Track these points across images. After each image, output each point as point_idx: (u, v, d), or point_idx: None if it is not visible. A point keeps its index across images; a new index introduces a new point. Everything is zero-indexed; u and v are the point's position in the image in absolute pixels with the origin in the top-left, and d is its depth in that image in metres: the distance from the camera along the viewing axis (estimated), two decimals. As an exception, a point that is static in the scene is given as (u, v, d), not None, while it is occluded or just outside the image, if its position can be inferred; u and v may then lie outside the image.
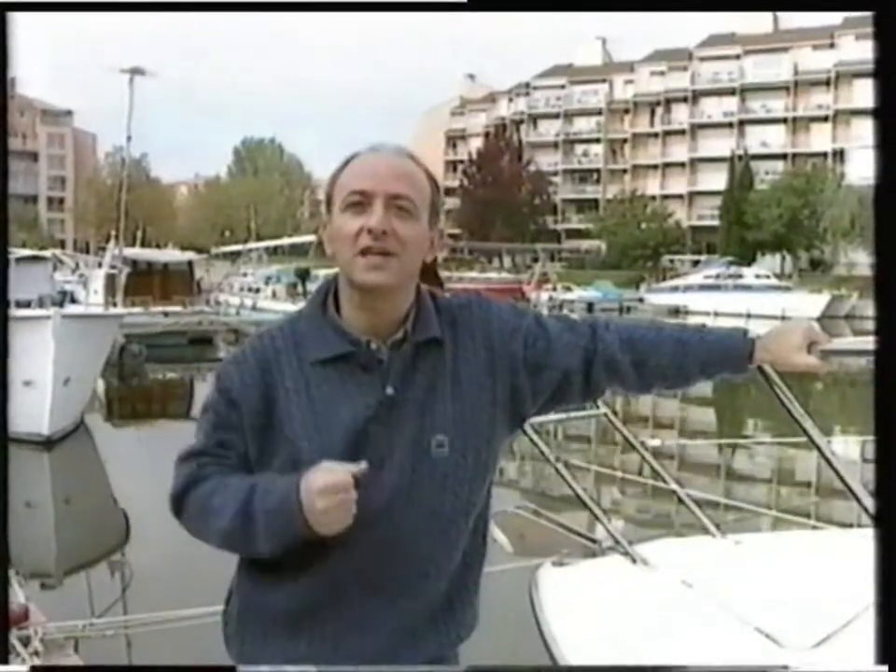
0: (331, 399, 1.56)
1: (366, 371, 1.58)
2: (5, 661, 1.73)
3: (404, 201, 1.54)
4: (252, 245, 50.89)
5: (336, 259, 1.59)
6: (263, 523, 1.49)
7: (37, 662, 4.25)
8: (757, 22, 67.06)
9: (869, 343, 2.00)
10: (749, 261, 52.50)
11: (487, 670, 2.24)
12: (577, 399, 1.75)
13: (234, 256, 49.29)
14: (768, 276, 47.19)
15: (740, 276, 46.35)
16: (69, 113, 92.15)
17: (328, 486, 1.42)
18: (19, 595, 4.82)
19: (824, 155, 61.86)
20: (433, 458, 1.58)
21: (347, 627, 1.61)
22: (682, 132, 69.52)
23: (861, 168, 48.74)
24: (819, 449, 2.12)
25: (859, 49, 56.31)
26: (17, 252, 19.93)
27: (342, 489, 1.42)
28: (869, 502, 2.07)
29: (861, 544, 1.81)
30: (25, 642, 4.43)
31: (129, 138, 28.64)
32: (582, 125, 75.21)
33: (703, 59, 69.43)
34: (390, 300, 1.58)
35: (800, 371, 1.69)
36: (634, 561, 3.18)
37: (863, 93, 55.32)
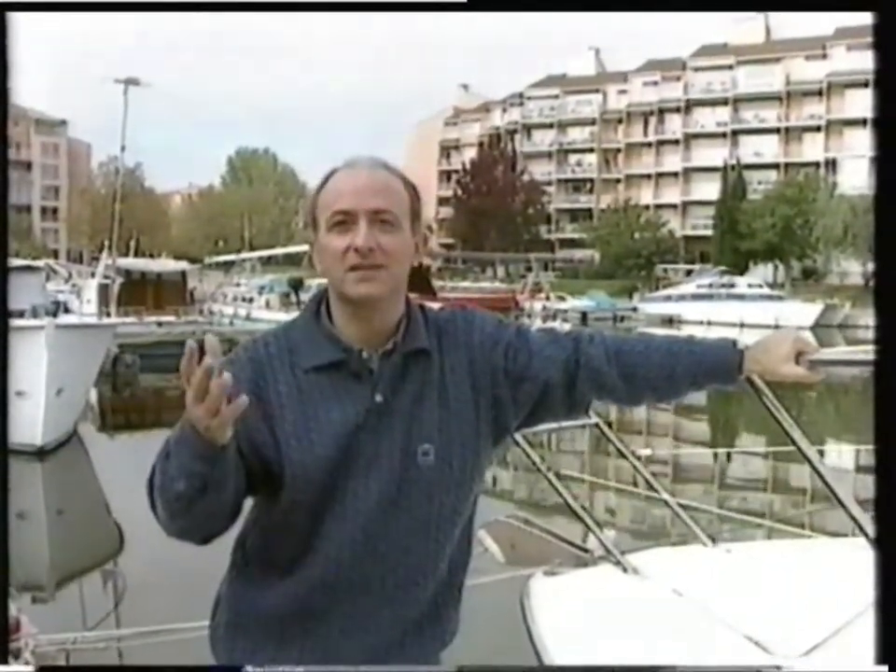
0: (322, 404, 1.59)
1: (357, 378, 1.61)
2: (4, 661, 1.73)
3: (386, 214, 1.58)
4: (246, 254, 50.94)
5: (326, 275, 1.62)
6: (174, 453, 1.49)
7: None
8: (749, 33, 67.43)
9: (859, 353, 2.01)
10: (742, 271, 52.67)
11: (480, 669, 2.26)
12: (561, 411, 1.76)
13: (228, 265, 49.31)
14: (761, 286, 47.30)
15: (733, 286, 46.48)
16: (63, 123, 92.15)
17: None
18: (10, 606, 4.79)
19: (816, 165, 62.12)
20: (419, 466, 1.61)
21: (337, 633, 1.64)
22: (676, 141, 69.77)
23: (854, 178, 49.02)
24: (807, 459, 2.13)
25: (851, 59, 56.62)
26: (10, 262, 19.87)
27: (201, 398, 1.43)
28: (857, 511, 2.07)
29: (852, 553, 1.82)
30: (16, 654, 4.40)
31: (123, 148, 28.66)
32: (576, 135, 75.44)
33: (696, 69, 69.76)
34: (381, 310, 1.62)
35: (789, 381, 1.70)
36: (625, 570, 3.18)
37: (855, 104, 55.63)
